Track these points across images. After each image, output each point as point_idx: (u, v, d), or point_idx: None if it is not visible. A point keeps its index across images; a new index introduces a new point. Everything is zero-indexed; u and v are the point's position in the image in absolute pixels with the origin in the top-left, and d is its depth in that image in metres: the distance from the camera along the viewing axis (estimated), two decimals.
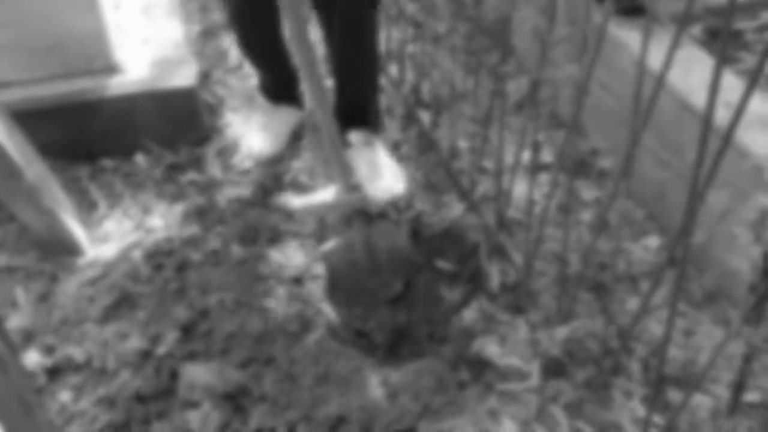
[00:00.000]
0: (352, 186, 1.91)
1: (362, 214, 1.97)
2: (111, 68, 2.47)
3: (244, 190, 2.38)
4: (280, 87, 2.52)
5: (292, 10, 1.67)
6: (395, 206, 2.26)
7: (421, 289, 2.02)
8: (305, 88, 1.84)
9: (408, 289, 2.00)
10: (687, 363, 1.74)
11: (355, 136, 2.11)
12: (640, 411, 1.65)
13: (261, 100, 2.64)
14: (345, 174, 1.88)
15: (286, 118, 2.57)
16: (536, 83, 1.69)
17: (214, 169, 2.48)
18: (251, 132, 2.58)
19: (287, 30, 1.76)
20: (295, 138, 2.57)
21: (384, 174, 2.07)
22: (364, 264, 1.96)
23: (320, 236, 2.19)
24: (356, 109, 2.11)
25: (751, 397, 1.63)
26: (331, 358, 1.81)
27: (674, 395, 1.66)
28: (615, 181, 1.47)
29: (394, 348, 1.89)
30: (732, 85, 1.45)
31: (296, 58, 1.81)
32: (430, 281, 2.05)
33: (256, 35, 2.26)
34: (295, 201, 1.94)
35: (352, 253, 1.98)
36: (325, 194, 1.93)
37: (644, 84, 1.35)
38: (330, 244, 1.97)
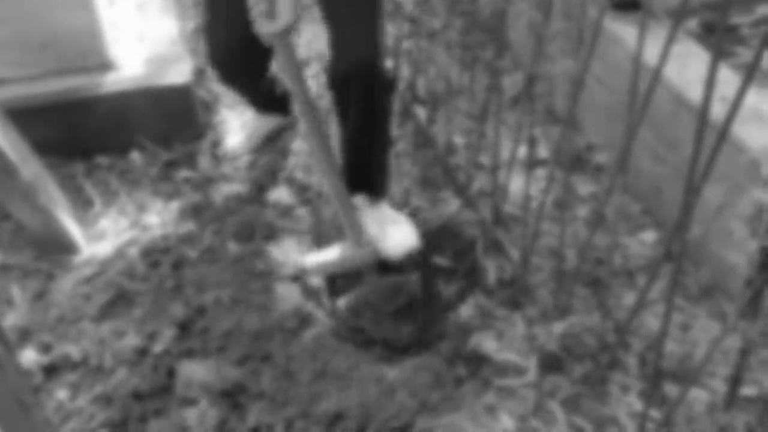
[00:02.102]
0: (363, 241, 1.90)
1: (374, 269, 1.97)
2: (105, 65, 2.46)
3: (240, 187, 2.38)
4: (265, 105, 2.51)
5: (308, 111, 1.68)
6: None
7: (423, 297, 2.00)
8: (311, 155, 1.82)
9: (412, 301, 1.98)
10: (684, 357, 1.74)
11: (359, 199, 2.07)
12: (637, 405, 1.65)
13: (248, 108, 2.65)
14: (355, 229, 1.88)
15: (265, 120, 2.58)
16: (532, 78, 1.69)
17: (209, 166, 2.47)
18: (231, 130, 2.60)
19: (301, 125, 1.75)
20: (270, 140, 2.58)
21: (394, 230, 2.05)
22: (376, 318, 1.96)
23: (317, 233, 2.19)
24: (362, 181, 2.07)
25: (747, 391, 1.63)
26: (328, 355, 1.81)
27: (671, 389, 1.66)
28: (611, 175, 1.47)
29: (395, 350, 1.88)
30: (728, 79, 1.45)
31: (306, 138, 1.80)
32: (427, 278, 2.04)
33: (244, 81, 2.26)
34: (307, 260, 1.95)
35: (364, 311, 1.95)
36: (337, 251, 1.93)
37: (640, 79, 1.35)
38: (341, 302, 1.96)
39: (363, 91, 1.82)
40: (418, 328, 1.90)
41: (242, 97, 2.49)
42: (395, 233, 2.03)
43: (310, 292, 2.00)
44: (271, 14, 1.58)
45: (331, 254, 1.96)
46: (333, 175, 1.81)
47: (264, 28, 1.59)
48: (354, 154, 2.03)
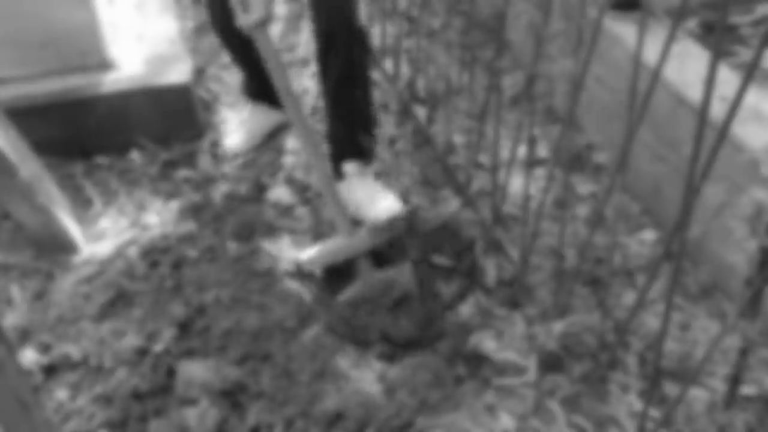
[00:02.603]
0: (353, 229, 2.00)
1: (367, 258, 2.02)
2: (105, 64, 2.46)
3: (240, 187, 2.38)
4: (260, 87, 2.53)
5: (292, 99, 1.88)
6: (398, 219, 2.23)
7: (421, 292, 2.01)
8: (303, 149, 2.04)
9: (407, 294, 1.99)
10: (683, 356, 1.74)
11: (348, 167, 2.25)
12: (637, 405, 1.65)
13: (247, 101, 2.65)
14: (344, 217, 1.98)
15: (263, 117, 2.59)
16: (532, 78, 1.69)
17: (209, 166, 2.47)
18: (230, 129, 2.62)
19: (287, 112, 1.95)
20: (271, 137, 2.59)
21: (380, 197, 2.19)
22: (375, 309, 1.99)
23: (316, 232, 2.19)
24: (349, 146, 2.24)
25: (747, 390, 1.63)
26: (328, 354, 1.81)
27: (671, 389, 1.67)
28: (611, 175, 1.47)
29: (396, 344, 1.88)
30: (727, 78, 1.45)
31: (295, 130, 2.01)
32: (426, 277, 2.04)
33: (237, 36, 2.29)
34: (303, 255, 2.01)
35: (361, 306, 1.99)
36: (330, 244, 2.02)
37: (640, 78, 1.35)
38: (339, 299, 1.98)
39: (343, 45, 2.07)
40: (416, 322, 1.90)
41: (240, 68, 2.56)
42: (381, 200, 2.18)
43: (308, 286, 2.00)
44: (246, 7, 1.75)
45: (325, 247, 2.02)
46: (321, 162, 1.97)
47: (240, 20, 1.76)
48: (339, 110, 2.19)
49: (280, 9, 3.28)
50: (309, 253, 2.02)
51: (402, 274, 2.00)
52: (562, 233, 1.73)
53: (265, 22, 1.78)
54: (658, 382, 1.64)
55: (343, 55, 2.08)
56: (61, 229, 2.09)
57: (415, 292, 1.97)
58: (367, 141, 2.24)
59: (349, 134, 2.21)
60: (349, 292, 1.98)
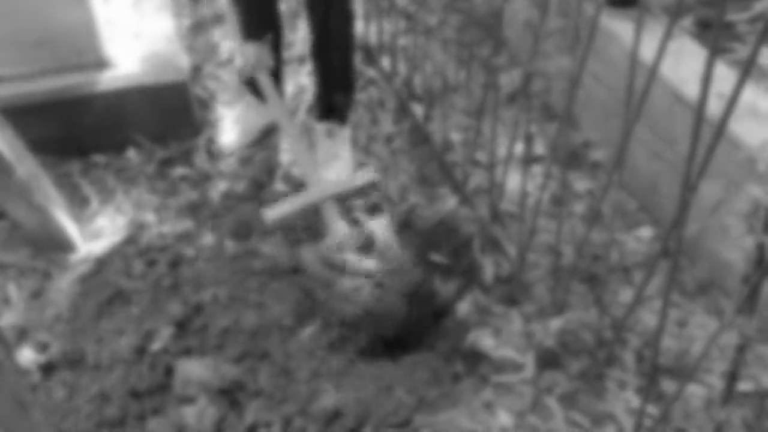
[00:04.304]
0: (315, 179, 2.11)
1: (333, 206, 2.06)
2: (101, 63, 2.46)
3: (237, 185, 2.37)
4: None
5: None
6: (388, 199, 2.27)
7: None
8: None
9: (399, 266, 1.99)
10: (680, 353, 1.75)
11: (320, 126, 2.47)
12: (635, 401, 1.66)
13: (245, 93, 2.65)
14: (309, 166, 2.15)
15: (257, 113, 2.59)
16: (529, 75, 1.69)
17: (205, 163, 2.47)
18: (225, 126, 2.63)
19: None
20: (266, 135, 2.60)
21: (332, 164, 2.40)
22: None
23: (313, 229, 2.19)
24: (321, 104, 2.46)
25: (744, 386, 1.63)
26: (326, 352, 1.81)
27: (668, 385, 1.67)
28: (608, 172, 1.48)
29: (392, 342, 1.88)
30: (724, 75, 1.45)
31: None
32: (424, 275, 2.04)
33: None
34: (267, 213, 2.04)
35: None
36: (294, 200, 2.07)
37: (637, 75, 1.35)
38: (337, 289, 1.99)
39: (323, 11, 2.29)
40: (403, 286, 1.90)
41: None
42: (329, 168, 2.38)
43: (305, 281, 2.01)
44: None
45: (288, 204, 2.07)
46: (307, 160, 2.18)
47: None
48: (317, 69, 2.42)
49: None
50: (274, 213, 2.04)
51: (377, 226, 2.01)
52: (559, 230, 1.73)
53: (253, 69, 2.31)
54: (656, 379, 1.64)
55: (322, 19, 2.29)
56: (58, 228, 2.09)
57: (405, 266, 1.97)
58: (340, 102, 2.43)
59: (323, 93, 2.44)
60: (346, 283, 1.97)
